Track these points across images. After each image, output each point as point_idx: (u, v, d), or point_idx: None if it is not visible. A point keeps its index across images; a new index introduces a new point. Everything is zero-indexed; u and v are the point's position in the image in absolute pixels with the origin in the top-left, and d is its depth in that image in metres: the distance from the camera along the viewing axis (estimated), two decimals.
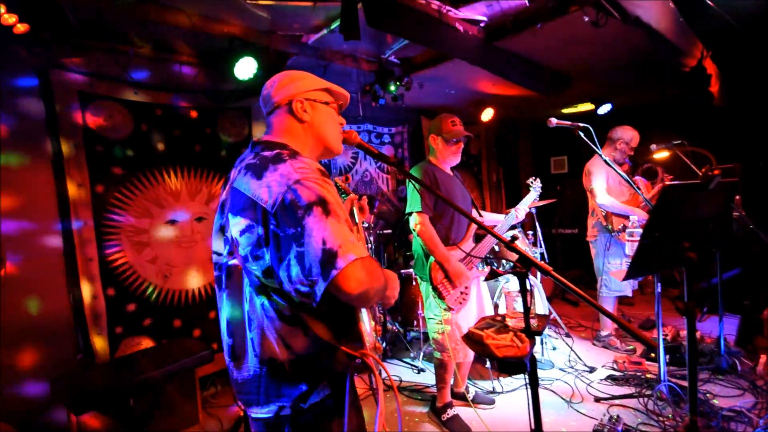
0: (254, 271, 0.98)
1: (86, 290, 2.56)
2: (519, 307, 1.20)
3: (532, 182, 2.87)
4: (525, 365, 1.10)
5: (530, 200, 2.74)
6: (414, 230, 2.33)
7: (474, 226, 2.50)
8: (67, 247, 2.50)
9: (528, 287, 1.11)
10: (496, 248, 3.57)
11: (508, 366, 1.11)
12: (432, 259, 2.32)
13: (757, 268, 3.73)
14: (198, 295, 3.06)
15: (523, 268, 1.05)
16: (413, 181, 1.23)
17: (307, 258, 0.88)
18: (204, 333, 3.08)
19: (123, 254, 2.72)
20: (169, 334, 2.90)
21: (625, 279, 1.55)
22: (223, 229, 1.05)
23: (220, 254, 1.06)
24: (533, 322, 1.08)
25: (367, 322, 1.09)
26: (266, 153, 1.03)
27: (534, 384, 1.12)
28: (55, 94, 2.46)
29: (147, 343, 2.78)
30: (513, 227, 3.06)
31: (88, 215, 2.58)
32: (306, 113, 1.12)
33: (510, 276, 3.29)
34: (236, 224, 0.99)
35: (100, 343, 2.61)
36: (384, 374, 1.07)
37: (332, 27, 2.61)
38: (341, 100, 1.22)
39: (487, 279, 1.10)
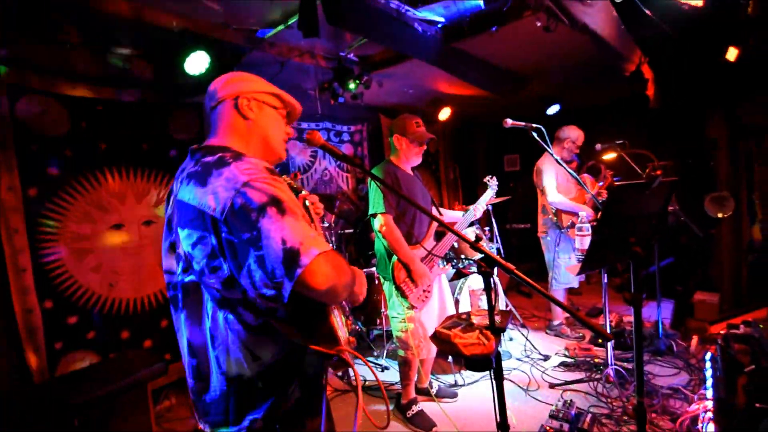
0: (213, 285, 0.93)
1: (19, 304, 2.33)
2: (483, 304, 1.24)
3: (488, 180, 2.97)
4: (490, 362, 1.13)
5: (487, 198, 2.83)
6: (379, 231, 2.33)
7: (435, 225, 2.55)
8: None
9: (492, 285, 1.14)
10: (455, 245, 3.67)
11: (475, 363, 1.14)
12: (395, 258, 2.34)
13: (687, 256, 4.10)
14: (148, 303, 2.88)
15: (488, 267, 1.08)
16: (377, 182, 1.23)
17: (269, 260, 0.84)
18: (155, 343, 2.91)
19: (62, 263, 2.50)
20: (117, 347, 2.71)
21: (579, 273, 1.65)
22: (173, 246, 0.98)
23: (173, 273, 1.00)
24: (497, 319, 1.11)
25: (338, 318, 1.07)
26: (207, 158, 0.96)
27: (499, 379, 1.16)
28: None
29: (92, 359, 2.59)
30: (471, 224, 3.15)
31: (20, 222, 2.34)
32: (251, 111, 1.08)
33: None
34: (187, 237, 0.93)
35: (37, 361, 2.38)
36: (365, 368, 1.07)
37: (290, 22, 2.54)
38: (290, 109, 1.18)
39: (452, 279, 1.12)
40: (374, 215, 2.33)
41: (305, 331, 0.97)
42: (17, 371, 2.31)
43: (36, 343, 2.38)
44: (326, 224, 3.63)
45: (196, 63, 2.47)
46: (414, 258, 2.33)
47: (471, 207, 2.71)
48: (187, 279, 0.97)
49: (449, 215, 2.83)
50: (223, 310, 0.94)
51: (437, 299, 2.54)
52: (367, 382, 3.05)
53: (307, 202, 1.31)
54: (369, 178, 2.45)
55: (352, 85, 3.32)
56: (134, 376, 2.05)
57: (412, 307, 2.37)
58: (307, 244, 0.85)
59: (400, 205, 2.39)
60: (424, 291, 2.41)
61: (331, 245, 3.34)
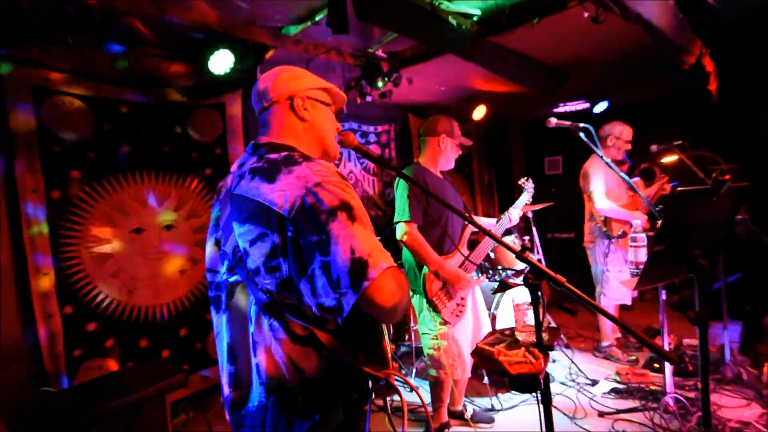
0: (266, 286, 0.93)
1: (40, 309, 2.46)
2: (528, 320, 1.21)
3: (524, 183, 2.91)
4: (538, 382, 1.11)
5: (523, 202, 2.78)
6: (402, 240, 2.33)
7: (468, 233, 2.52)
8: (17, 260, 2.40)
9: (540, 299, 1.12)
10: (491, 255, 3.62)
11: (521, 383, 1.12)
12: (426, 270, 2.33)
13: (758, 272, 3.88)
14: (167, 311, 2.98)
15: (536, 279, 1.07)
16: (410, 182, 1.24)
17: (335, 268, 0.85)
18: (174, 353, 2.99)
19: (82, 267, 2.63)
20: (136, 356, 2.81)
21: (636, 288, 1.60)
22: (218, 243, 1.01)
23: (216, 271, 1.02)
24: (544, 336, 1.10)
25: (387, 339, 1.07)
26: (273, 155, 1.00)
27: (547, 402, 1.14)
28: (5, 88, 2.36)
29: (111, 367, 2.69)
30: (508, 232, 3.10)
31: (43, 224, 2.48)
32: (307, 111, 1.11)
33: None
34: (244, 234, 0.94)
35: (55, 368, 2.50)
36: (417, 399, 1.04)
37: (317, 18, 2.61)
38: (339, 104, 1.21)
39: (496, 291, 1.11)
40: (398, 223, 2.34)
41: (357, 351, 0.97)
42: (36, 378, 2.44)
43: (55, 349, 2.51)
44: None
45: (221, 62, 2.57)
46: (442, 262, 2.31)
47: (505, 213, 2.67)
48: (231, 279, 0.99)
49: (482, 222, 2.80)
50: (268, 315, 0.95)
51: (471, 314, 2.51)
52: (394, 403, 3.03)
53: None
54: (396, 183, 2.47)
55: (380, 83, 3.36)
56: (155, 387, 2.12)
57: (445, 322, 2.35)
58: (376, 257, 0.86)
59: (433, 210, 2.38)
60: (457, 305, 2.39)
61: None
